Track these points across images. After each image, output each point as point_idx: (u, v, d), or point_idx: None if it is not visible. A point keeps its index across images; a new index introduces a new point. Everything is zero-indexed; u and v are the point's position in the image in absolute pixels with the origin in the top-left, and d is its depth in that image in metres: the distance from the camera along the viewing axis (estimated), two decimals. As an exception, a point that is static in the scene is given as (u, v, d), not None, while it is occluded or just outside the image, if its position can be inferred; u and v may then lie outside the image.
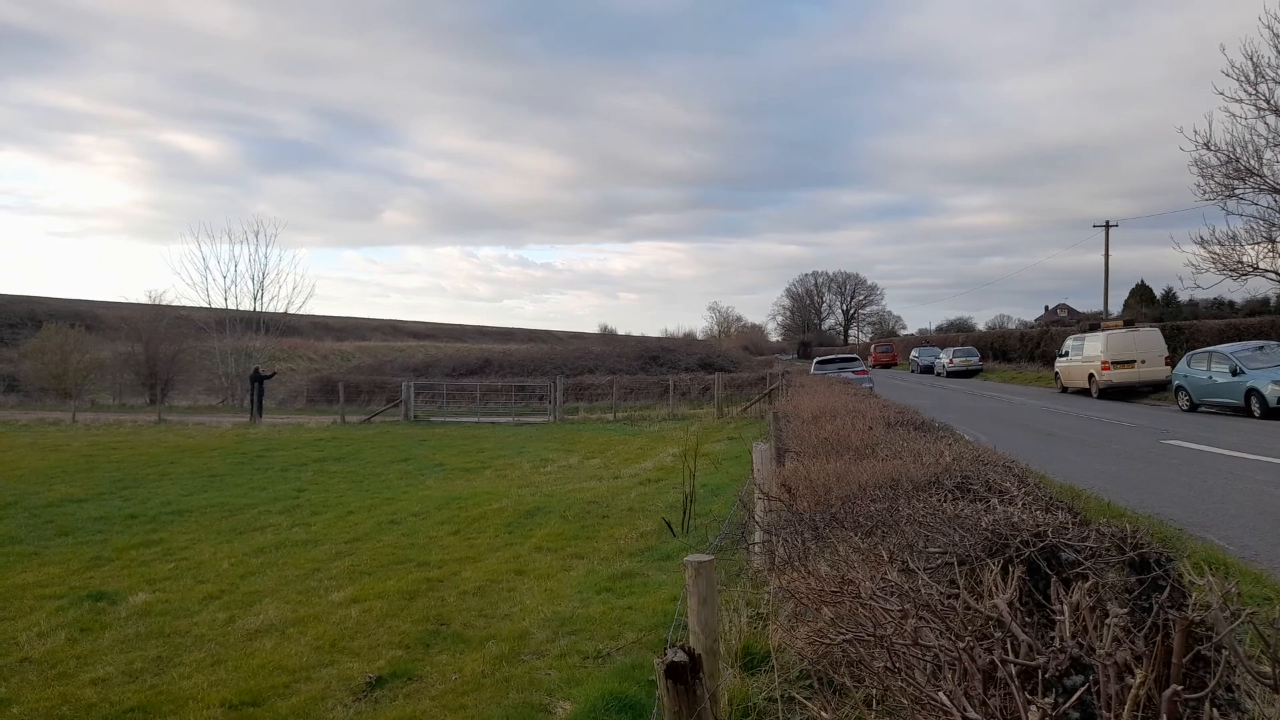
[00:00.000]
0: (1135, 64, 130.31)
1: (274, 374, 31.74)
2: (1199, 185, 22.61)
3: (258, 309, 41.63)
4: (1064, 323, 60.45)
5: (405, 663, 5.83)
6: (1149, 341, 24.82)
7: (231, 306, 41.18)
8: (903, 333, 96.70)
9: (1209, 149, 22.01)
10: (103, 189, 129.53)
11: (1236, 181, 22.04)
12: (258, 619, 6.96)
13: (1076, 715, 1.71)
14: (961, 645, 1.98)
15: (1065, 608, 2.08)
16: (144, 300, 45.69)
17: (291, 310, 43.13)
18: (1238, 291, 38.79)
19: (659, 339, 66.74)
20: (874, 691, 2.39)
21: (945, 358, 45.74)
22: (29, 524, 11.31)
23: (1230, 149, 21.85)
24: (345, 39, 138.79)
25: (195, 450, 19.59)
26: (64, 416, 29.04)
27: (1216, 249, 22.66)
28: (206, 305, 41.44)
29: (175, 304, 44.12)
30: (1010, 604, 2.18)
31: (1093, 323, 30.95)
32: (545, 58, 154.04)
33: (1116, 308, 47.12)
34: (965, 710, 1.70)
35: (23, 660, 6.20)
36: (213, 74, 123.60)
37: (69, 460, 17.92)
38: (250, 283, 42.47)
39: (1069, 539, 2.90)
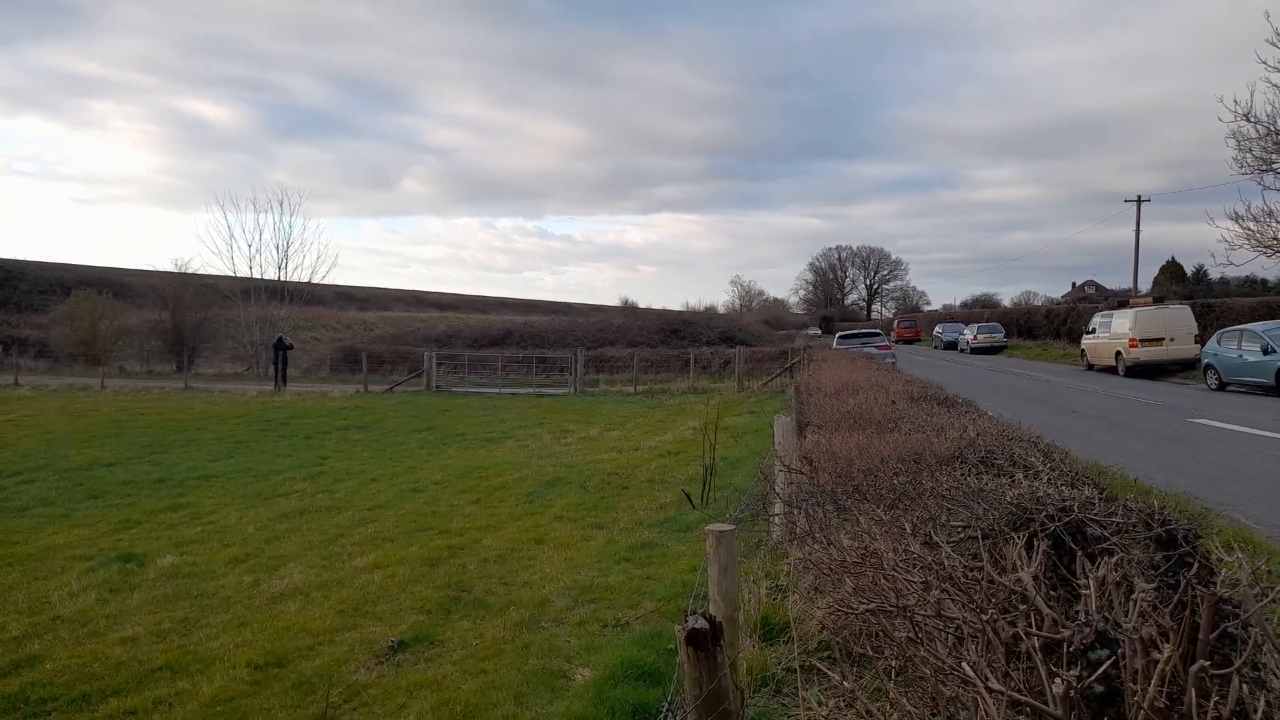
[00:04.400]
0: (1168, 32, 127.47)
1: (291, 346, 31.93)
2: (1236, 158, 22.04)
3: (282, 278, 41.87)
4: (1091, 299, 59.67)
5: (427, 627, 5.91)
6: (1178, 319, 24.42)
7: (256, 275, 41.47)
8: (926, 308, 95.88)
9: (1249, 120, 21.44)
10: (123, 156, 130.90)
11: (1276, 155, 21.48)
12: (282, 583, 7.07)
13: (1101, 689, 1.69)
14: (985, 617, 1.97)
15: (1091, 582, 2.06)
16: (170, 268, 46.23)
17: (315, 280, 43.36)
18: (1272, 269, 38.18)
19: (680, 312, 66.44)
20: (894, 663, 2.38)
21: (969, 334, 45.29)
22: (60, 486, 11.54)
23: (1271, 121, 21.27)
24: (356, 3, 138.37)
25: (221, 417, 19.85)
26: (93, 382, 29.48)
27: (1251, 225, 22.09)
28: (232, 274, 41.67)
29: (201, 272, 44.56)
30: (1035, 577, 2.16)
31: (1121, 299, 30.51)
32: (559, 23, 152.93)
33: (1146, 284, 46.41)
34: (988, 681, 1.69)
35: (55, 619, 6.35)
36: (226, 38, 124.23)
37: (98, 425, 18.22)
38: (275, 251, 42.65)
39: (1095, 514, 2.87)
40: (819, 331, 37.06)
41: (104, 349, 38.64)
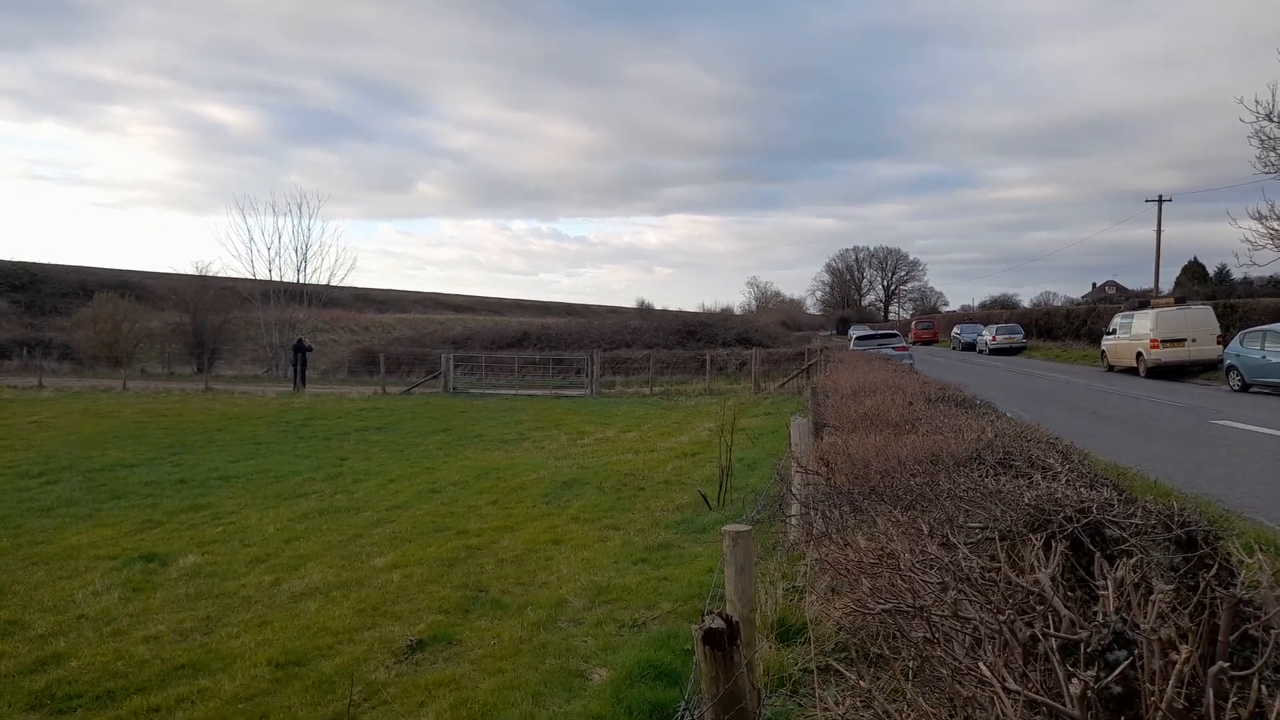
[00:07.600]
0: (1187, 29, 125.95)
1: (310, 348, 32.20)
2: (1259, 158, 21.83)
3: (301, 280, 42.15)
4: (1112, 300, 59.12)
5: (445, 627, 5.95)
6: (1200, 320, 24.16)
7: (275, 278, 41.76)
8: (944, 309, 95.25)
9: (1271, 120, 21.22)
10: (141, 160, 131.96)
11: (1299, 154, 21.23)
12: (302, 582, 7.14)
13: (1118, 689, 1.69)
14: (1002, 618, 1.97)
15: (1109, 583, 2.06)
16: (191, 271, 46.69)
17: (334, 282, 43.63)
18: (1296, 269, 37.52)
19: (696, 314, 66.40)
20: (912, 663, 2.38)
21: (988, 335, 44.99)
22: (83, 487, 11.68)
23: (1294, 120, 21.03)
24: (365, 5, 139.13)
25: (241, 418, 20.03)
26: (115, 384, 29.81)
27: (1275, 224, 21.90)
28: (251, 276, 41.97)
29: (221, 275, 44.95)
30: (1052, 578, 2.16)
31: (1142, 300, 30.22)
32: (569, 24, 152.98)
33: (1167, 284, 45.95)
34: (1005, 682, 1.69)
35: (79, 618, 6.43)
36: (237, 41, 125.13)
37: (121, 426, 18.43)
38: (294, 254, 43.05)
39: (1114, 515, 2.86)
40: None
41: (126, 351, 39.01)
